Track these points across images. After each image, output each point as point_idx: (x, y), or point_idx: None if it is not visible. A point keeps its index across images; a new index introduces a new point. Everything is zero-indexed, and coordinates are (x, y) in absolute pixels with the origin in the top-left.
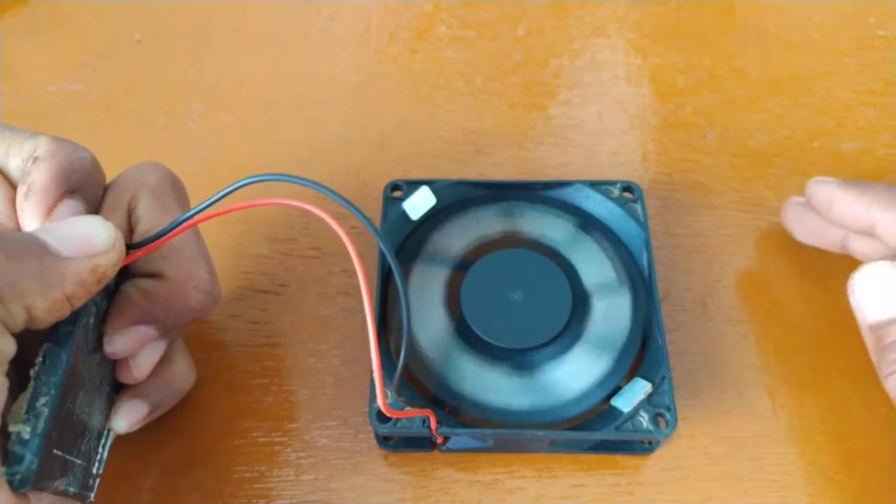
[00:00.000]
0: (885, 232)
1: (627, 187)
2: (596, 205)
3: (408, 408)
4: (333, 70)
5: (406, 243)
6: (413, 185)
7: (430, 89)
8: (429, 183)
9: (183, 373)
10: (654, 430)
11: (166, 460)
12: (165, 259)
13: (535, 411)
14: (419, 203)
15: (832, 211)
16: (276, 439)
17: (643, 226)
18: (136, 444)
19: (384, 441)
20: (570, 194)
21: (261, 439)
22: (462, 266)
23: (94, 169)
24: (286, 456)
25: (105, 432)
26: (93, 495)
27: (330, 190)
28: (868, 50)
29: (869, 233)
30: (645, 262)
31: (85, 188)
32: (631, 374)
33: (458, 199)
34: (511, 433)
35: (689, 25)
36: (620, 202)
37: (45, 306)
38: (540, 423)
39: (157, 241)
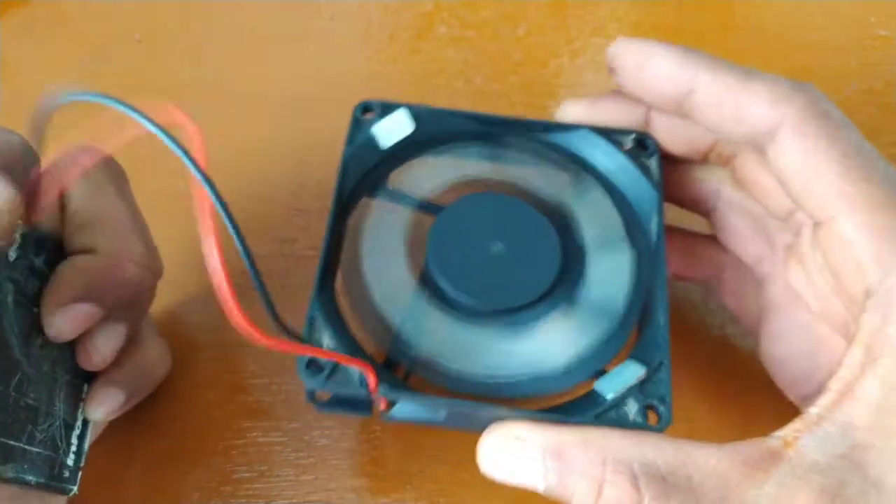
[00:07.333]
0: (703, 100)
1: (641, 141)
2: (603, 156)
3: (327, 347)
4: (333, 70)
5: (370, 175)
6: (389, 108)
7: (430, 89)
8: (409, 107)
9: (155, 357)
10: (642, 423)
11: (165, 460)
12: (97, 233)
13: (502, 385)
14: (392, 128)
15: (645, 70)
16: (276, 439)
17: (657, 186)
18: (134, 443)
19: (314, 399)
20: (573, 141)
21: (261, 439)
22: (433, 208)
23: (23, 153)
24: (286, 456)
25: (79, 423)
26: (75, 488)
27: (125, 104)
28: (869, 50)
29: (677, 104)
30: (654, 227)
31: (11, 172)
32: (623, 354)
33: (441, 132)
34: (467, 406)
35: (689, 25)
36: (632, 157)
37: None
38: (506, 397)
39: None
